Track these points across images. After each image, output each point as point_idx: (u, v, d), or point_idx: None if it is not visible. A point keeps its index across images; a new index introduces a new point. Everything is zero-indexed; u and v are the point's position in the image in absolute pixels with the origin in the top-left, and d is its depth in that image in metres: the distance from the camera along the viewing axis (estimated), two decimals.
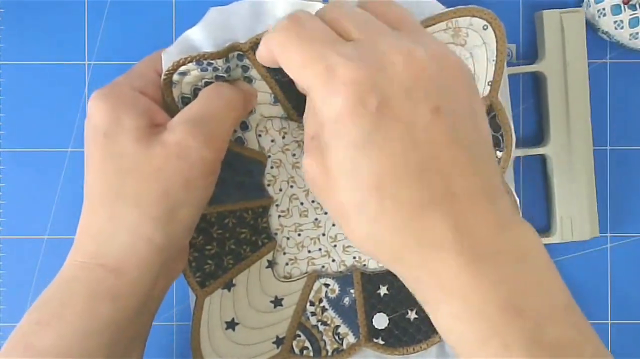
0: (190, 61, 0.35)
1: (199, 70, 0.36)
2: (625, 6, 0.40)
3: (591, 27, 0.42)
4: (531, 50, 0.43)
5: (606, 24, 0.41)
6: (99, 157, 0.34)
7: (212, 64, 0.36)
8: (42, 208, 0.43)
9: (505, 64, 0.37)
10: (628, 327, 0.43)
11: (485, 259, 0.27)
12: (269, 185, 0.40)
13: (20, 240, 0.43)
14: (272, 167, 0.40)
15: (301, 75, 0.28)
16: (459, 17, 0.36)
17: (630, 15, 0.40)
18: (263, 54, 0.30)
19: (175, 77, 0.36)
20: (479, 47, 0.37)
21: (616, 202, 0.43)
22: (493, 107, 0.37)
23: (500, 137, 0.38)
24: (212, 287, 0.39)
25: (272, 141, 0.39)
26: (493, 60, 0.37)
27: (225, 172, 0.37)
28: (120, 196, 0.33)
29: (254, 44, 0.36)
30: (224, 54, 0.36)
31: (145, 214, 0.33)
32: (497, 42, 0.37)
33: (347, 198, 0.27)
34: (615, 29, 0.41)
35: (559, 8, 0.41)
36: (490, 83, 0.37)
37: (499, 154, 0.38)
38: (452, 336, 0.28)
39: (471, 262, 0.26)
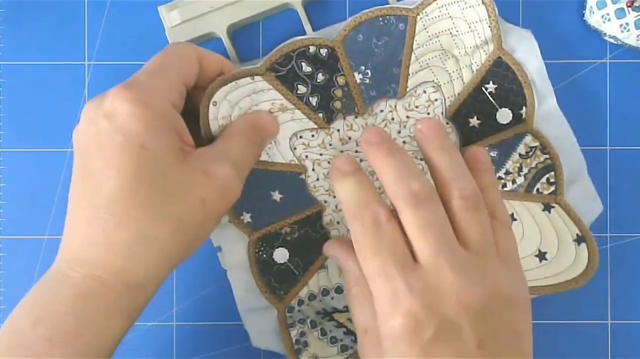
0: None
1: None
2: (629, 9, 0.40)
3: (597, 33, 0.42)
4: None
5: (612, 28, 0.41)
6: (133, 167, 0.32)
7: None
8: (42, 208, 0.43)
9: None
10: (628, 327, 0.43)
11: None
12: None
13: (20, 240, 0.43)
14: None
15: (371, 281, 0.32)
16: None
17: (636, 16, 0.40)
18: (335, 246, 0.36)
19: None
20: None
21: (616, 202, 0.43)
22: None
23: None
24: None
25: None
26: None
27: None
28: (160, 216, 0.32)
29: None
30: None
31: (181, 241, 0.33)
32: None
33: None
34: (622, 32, 0.41)
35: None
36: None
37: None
38: None
39: None
